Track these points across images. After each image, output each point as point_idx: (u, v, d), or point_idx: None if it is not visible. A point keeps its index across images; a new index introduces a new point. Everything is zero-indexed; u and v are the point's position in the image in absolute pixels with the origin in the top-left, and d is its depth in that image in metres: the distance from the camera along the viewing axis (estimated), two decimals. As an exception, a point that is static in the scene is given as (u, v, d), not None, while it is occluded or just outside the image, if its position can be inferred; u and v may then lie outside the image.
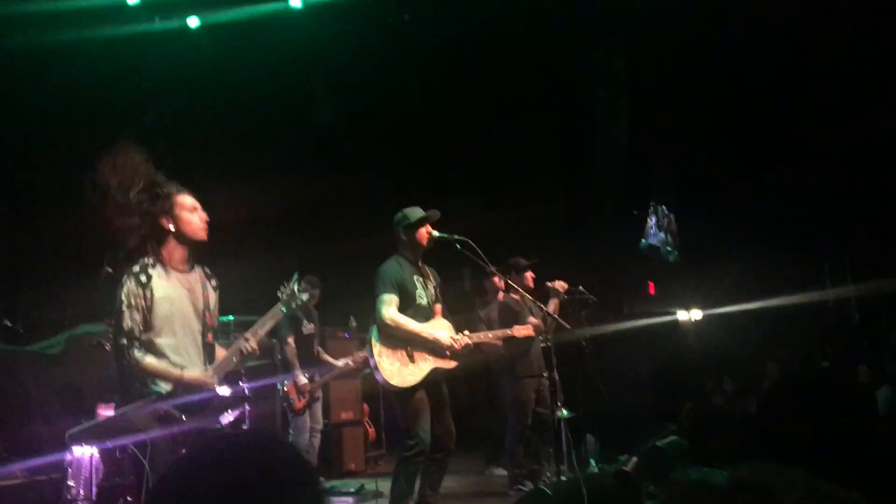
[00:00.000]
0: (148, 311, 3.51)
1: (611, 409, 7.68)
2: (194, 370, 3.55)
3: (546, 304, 6.35)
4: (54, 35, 7.53)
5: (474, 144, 9.89)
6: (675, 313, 9.85)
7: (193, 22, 8.63)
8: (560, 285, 6.53)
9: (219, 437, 1.50)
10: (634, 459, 5.33)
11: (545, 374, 6.33)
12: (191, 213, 3.65)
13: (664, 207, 10.79)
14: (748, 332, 9.81)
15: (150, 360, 3.46)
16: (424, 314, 4.85)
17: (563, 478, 5.40)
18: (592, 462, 6.76)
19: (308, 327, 6.90)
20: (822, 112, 9.08)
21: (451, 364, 4.83)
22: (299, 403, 6.73)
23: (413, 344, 4.74)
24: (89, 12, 7.74)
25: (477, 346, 5.13)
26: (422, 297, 4.87)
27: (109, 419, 3.60)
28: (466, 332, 4.95)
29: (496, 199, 9.30)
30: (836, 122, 8.90)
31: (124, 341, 3.46)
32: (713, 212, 10.27)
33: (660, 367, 8.77)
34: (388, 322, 4.68)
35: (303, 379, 6.69)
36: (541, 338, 6.20)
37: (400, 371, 4.67)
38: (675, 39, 9.16)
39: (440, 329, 4.85)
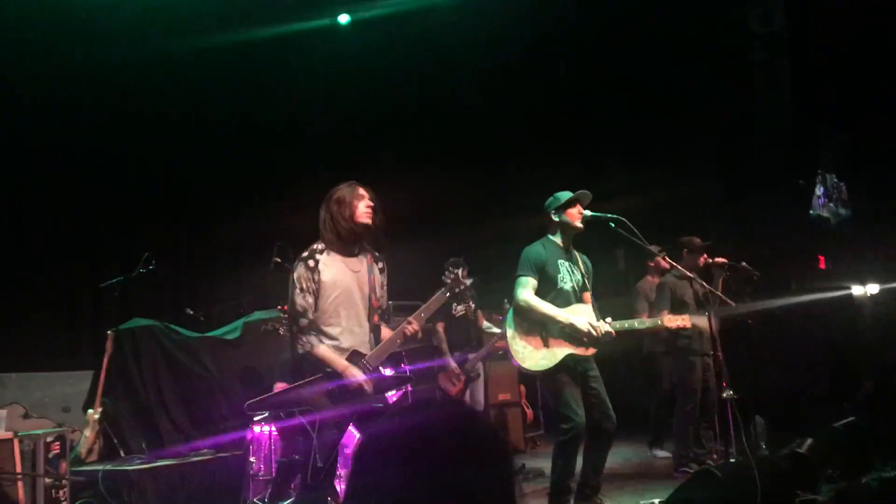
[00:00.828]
0: (316, 294, 3.75)
1: (781, 389, 7.35)
2: (356, 369, 3.76)
3: (710, 282, 6.15)
4: (213, 36, 7.96)
5: (628, 121, 9.66)
6: (849, 288, 9.23)
7: (344, 18, 8.94)
8: (720, 261, 6.31)
9: (420, 407, 1.56)
10: (809, 441, 5.06)
11: (708, 355, 6.14)
12: (359, 201, 3.85)
13: (834, 176, 10.11)
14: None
15: (322, 349, 3.71)
16: (566, 299, 4.78)
17: (732, 460, 5.23)
18: (762, 445, 6.49)
19: (458, 309, 6.98)
20: None
21: (589, 351, 4.73)
22: (453, 389, 6.83)
23: (548, 328, 4.70)
24: (245, 13, 8.13)
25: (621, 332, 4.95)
26: (564, 282, 4.81)
27: (283, 392, 3.87)
28: (609, 320, 4.81)
29: (653, 177, 9.04)
30: None
31: (300, 323, 3.71)
32: (887, 179, 9.53)
33: (834, 344, 8.27)
34: (522, 304, 4.68)
35: (452, 364, 6.79)
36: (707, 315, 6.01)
37: (532, 354, 4.67)
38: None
39: (580, 315, 4.74)
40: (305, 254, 3.85)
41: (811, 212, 9.81)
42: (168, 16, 7.61)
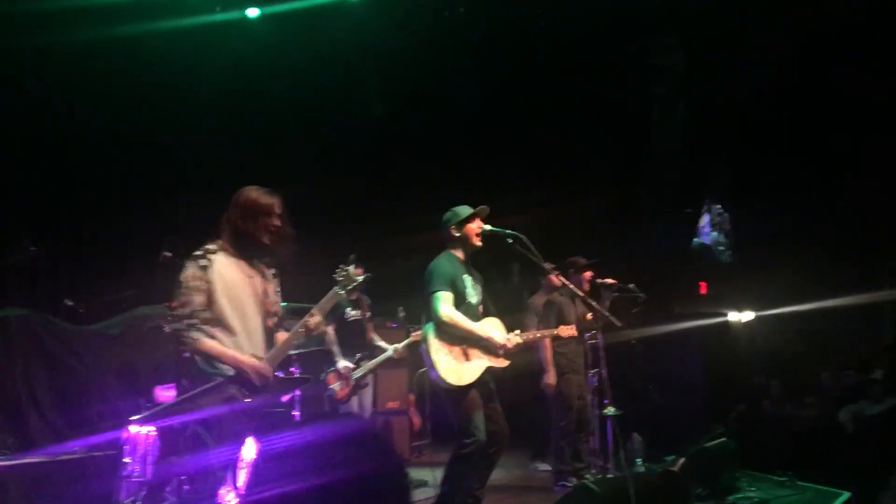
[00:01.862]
0: (209, 295, 3.64)
1: (659, 408, 7.65)
2: (249, 356, 3.65)
3: (598, 301, 6.35)
4: (117, 28, 7.70)
5: (527, 141, 9.86)
6: (726, 314, 9.71)
7: (253, 12, 8.75)
8: (609, 282, 6.53)
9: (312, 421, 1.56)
10: (682, 460, 5.28)
11: (591, 372, 6.33)
12: (267, 217, 3.78)
13: (719, 206, 10.63)
14: (801, 334, 9.63)
15: (208, 342, 3.58)
16: (474, 313, 4.87)
17: (609, 475, 5.40)
18: (638, 461, 6.73)
19: (353, 314, 6.95)
20: (883, 110, 8.86)
21: (504, 363, 4.85)
22: (341, 392, 6.79)
23: (468, 342, 4.76)
24: (150, 4, 7.89)
25: (526, 344, 5.11)
26: (471, 296, 4.89)
27: (174, 404, 3.73)
28: (517, 332, 4.95)
29: (549, 196, 9.26)
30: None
31: (185, 322, 3.59)
32: (767, 211, 10.08)
33: (710, 368, 8.67)
34: (446, 319, 4.69)
35: (343, 363, 6.75)
36: (587, 335, 6.21)
37: (456, 369, 4.69)
38: (732, 35, 9.01)
39: (493, 328, 4.87)
40: (198, 252, 3.72)
41: (695, 239, 10.28)
42: (67, 4, 7.30)
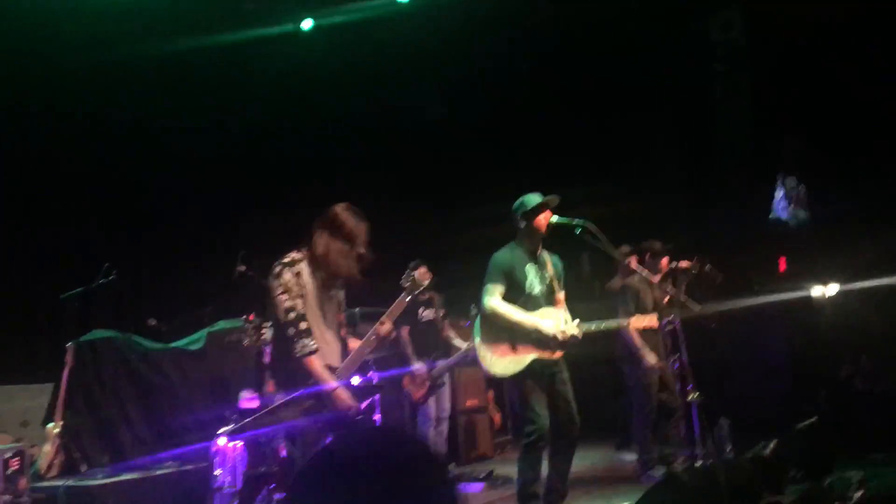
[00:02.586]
0: (304, 300, 3.71)
1: (744, 391, 7.44)
2: (345, 391, 3.70)
3: (675, 286, 6.24)
4: (172, 43, 7.88)
5: (592, 130, 9.73)
6: (808, 289, 9.37)
7: (307, 24, 8.87)
8: (684, 266, 6.39)
9: (353, 435, 1.55)
10: (773, 444, 5.12)
11: (672, 358, 6.19)
12: (358, 249, 3.89)
13: (794, 179, 10.28)
14: (888, 307, 9.23)
15: (316, 361, 3.63)
16: (536, 303, 4.79)
17: (697, 464, 5.27)
18: (728, 447, 6.56)
19: (426, 314, 6.99)
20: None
21: (556, 354, 4.75)
22: (417, 394, 6.84)
23: (515, 333, 4.71)
24: (206, 18, 8.05)
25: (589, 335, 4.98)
26: (533, 287, 4.82)
27: (257, 417, 3.79)
28: (576, 322, 4.84)
29: (618, 184, 9.12)
30: None
31: (299, 326, 3.66)
32: (847, 182, 9.71)
33: (796, 346, 8.39)
34: (489, 311, 4.71)
35: (417, 365, 6.80)
36: (664, 321, 6.06)
37: (500, 360, 4.70)
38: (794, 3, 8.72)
39: (547, 318, 4.76)
40: (287, 260, 3.80)
41: (771, 215, 9.96)
42: (129, 20, 7.51)
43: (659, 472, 6.13)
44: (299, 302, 3.69)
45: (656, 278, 5.65)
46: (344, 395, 3.67)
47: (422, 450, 1.54)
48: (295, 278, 3.72)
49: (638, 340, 6.24)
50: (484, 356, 4.72)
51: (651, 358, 6.24)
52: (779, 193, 10.06)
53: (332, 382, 3.65)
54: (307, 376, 3.64)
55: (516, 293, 4.76)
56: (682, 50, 9.42)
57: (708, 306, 6.37)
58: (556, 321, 4.76)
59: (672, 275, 6.52)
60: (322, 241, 3.84)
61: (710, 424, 5.93)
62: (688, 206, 9.67)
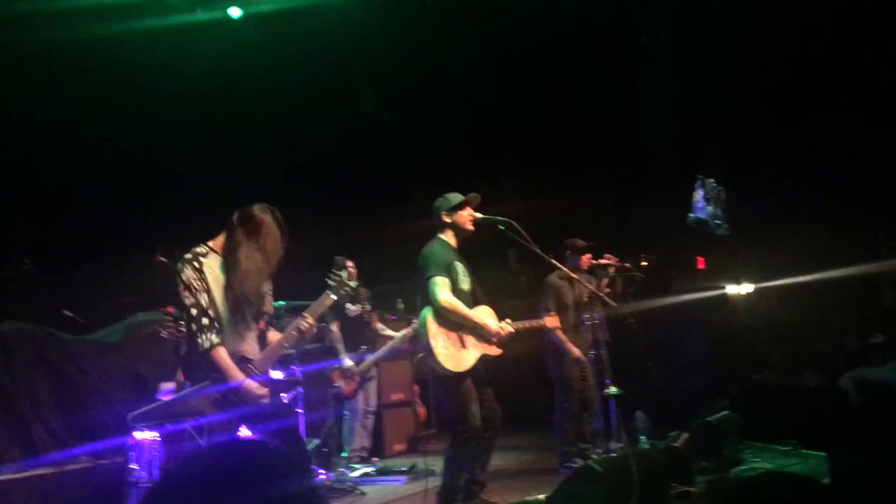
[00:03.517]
0: (208, 293, 3.66)
1: (661, 385, 7.67)
2: (252, 382, 3.66)
3: (596, 282, 6.38)
4: (97, 27, 7.65)
5: (518, 127, 9.84)
6: (724, 287, 9.70)
7: (235, 12, 8.71)
8: (608, 260, 6.55)
9: (211, 448, 1.55)
10: (685, 435, 5.31)
11: (591, 353, 6.35)
12: (272, 236, 3.80)
13: (713, 181, 10.61)
14: (800, 306, 9.63)
15: (221, 353, 3.59)
16: (466, 300, 4.84)
17: (612, 454, 5.42)
18: (643, 439, 6.76)
19: (353, 309, 6.98)
20: (880, 77, 8.83)
21: (497, 351, 4.84)
22: (347, 389, 6.84)
23: (464, 329, 4.76)
24: (131, 4, 7.85)
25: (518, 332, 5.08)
26: (463, 283, 4.88)
27: (168, 402, 3.76)
28: (508, 320, 4.93)
29: (543, 181, 9.26)
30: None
31: (201, 322, 3.61)
32: (763, 183, 10.07)
33: (711, 342, 8.69)
34: (445, 305, 4.67)
35: (348, 362, 6.80)
36: (584, 317, 6.21)
37: (453, 356, 4.68)
38: (723, 7, 8.98)
39: (487, 316, 4.85)
40: (189, 256, 3.73)
41: (690, 214, 10.27)
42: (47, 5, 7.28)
43: (577, 464, 6.28)
44: (202, 297, 3.64)
45: (573, 275, 5.77)
46: (252, 387, 3.64)
47: (285, 459, 1.54)
48: (196, 274, 3.67)
49: (562, 335, 6.36)
50: (439, 352, 4.64)
51: (575, 351, 6.37)
52: (698, 194, 10.38)
53: (238, 375, 3.62)
54: (215, 369, 3.61)
55: (451, 289, 4.78)
56: (610, 50, 9.60)
57: (628, 303, 6.55)
58: (494, 318, 4.84)
59: (592, 271, 6.66)
60: (234, 242, 3.76)
61: (627, 417, 6.12)
62: (611, 204, 9.87)
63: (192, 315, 3.64)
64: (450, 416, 4.80)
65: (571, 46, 9.12)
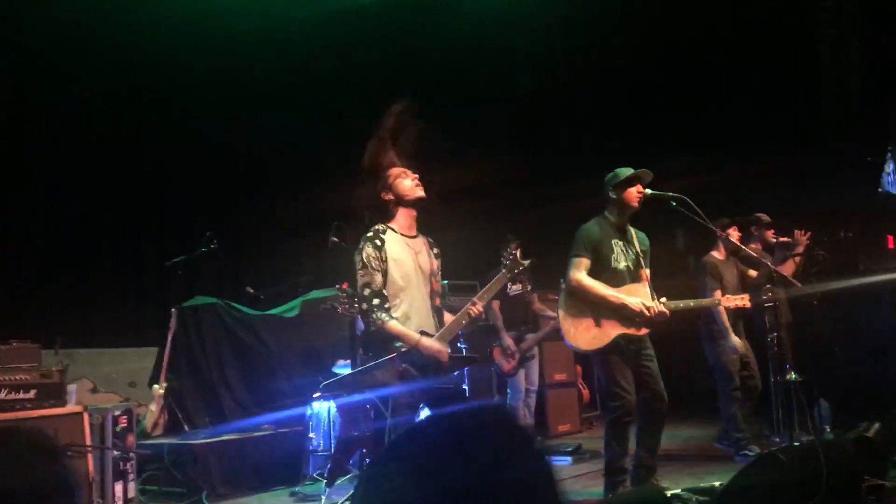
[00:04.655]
0: (384, 273, 3.77)
1: (846, 372, 7.16)
2: (430, 339, 3.74)
3: (773, 261, 6.06)
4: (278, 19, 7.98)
5: (690, 101, 9.45)
6: (917, 269, 8.91)
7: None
8: (800, 236, 6.25)
9: (446, 413, 1.55)
10: (878, 425, 4.92)
11: (771, 336, 6.02)
12: (402, 179, 3.87)
13: (906, 151, 9.75)
14: None
15: (393, 324, 3.70)
16: (621, 279, 4.69)
17: (796, 444, 5.12)
18: (826, 429, 6.35)
19: (514, 288, 6.97)
20: None
21: (642, 331, 4.64)
22: (507, 366, 6.89)
23: (600, 308, 4.63)
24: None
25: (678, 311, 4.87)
26: (619, 261, 4.72)
27: (356, 374, 3.90)
28: (664, 300, 4.70)
29: (717, 157, 8.84)
30: None
31: (372, 302, 3.72)
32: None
33: (902, 327, 8.01)
34: (574, 284, 4.63)
35: (507, 340, 6.83)
36: (766, 298, 5.89)
37: (584, 334, 4.62)
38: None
39: (633, 294, 4.64)
40: (370, 234, 3.85)
41: (880, 189, 9.49)
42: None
43: (753, 451, 6.00)
44: (377, 276, 3.74)
45: (751, 252, 5.49)
46: (430, 343, 3.71)
47: (517, 428, 1.53)
48: (376, 251, 3.77)
49: (724, 319, 6.10)
50: (567, 330, 4.66)
51: (736, 340, 6.10)
52: (889, 166, 9.57)
53: (415, 336, 3.70)
54: (391, 340, 3.72)
55: (601, 267, 4.68)
56: (791, 13, 9.00)
57: (810, 285, 6.17)
58: (642, 297, 4.67)
59: (772, 249, 6.33)
60: (376, 194, 3.92)
61: (810, 405, 5.76)
62: (793, 178, 9.30)
63: (363, 295, 3.75)
64: (601, 392, 4.76)
65: (746, 13, 8.63)
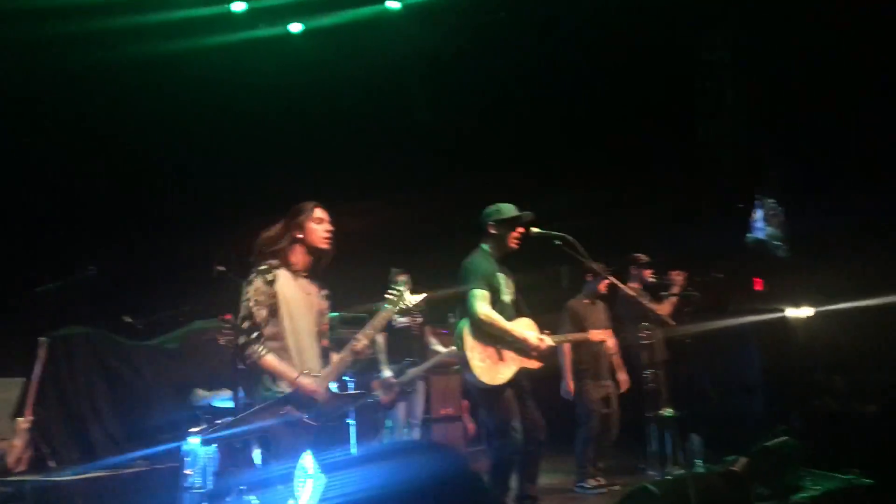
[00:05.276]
0: (273, 309, 3.70)
1: (717, 408, 7.50)
2: (308, 377, 3.70)
3: (654, 300, 6.31)
4: (160, 45, 7.85)
5: (575, 143, 9.79)
6: (783, 310, 9.47)
7: (296, 27, 8.84)
8: (676, 276, 6.53)
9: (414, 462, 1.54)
10: (744, 460, 5.18)
11: (646, 373, 6.25)
12: (318, 224, 3.83)
13: (773, 201, 10.40)
14: (863, 330, 9.35)
15: (269, 358, 3.64)
16: (510, 313, 4.82)
17: (668, 477, 5.31)
18: (697, 462, 6.62)
19: (401, 321, 6.96)
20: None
21: (536, 364, 4.80)
22: (385, 398, 6.84)
23: (502, 342, 4.72)
24: (194, 21, 8.03)
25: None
26: (505, 295, 4.85)
27: (237, 420, 3.80)
28: (548, 332, 4.91)
29: (598, 197, 9.18)
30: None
31: (250, 335, 3.65)
32: (824, 205, 9.83)
33: (769, 365, 8.48)
34: (483, 318, 4.65)
35: (388, 373, 6.80)
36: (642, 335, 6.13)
37: (490, 369, 4.67)
38: (787, 24, 8.84)
39: (527, 329, 4.80)
40: (263, 267, 3.79)
41: (749, 234, 10.07)
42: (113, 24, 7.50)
43: (591, 484, 6.28)
44: (262, 311, 3.70)
45: (631, 292, 5.70)
46: (307, 382, 3.67)
47: (467, 471, 1.54)
48: (266, 286, 3.72)
49: (567, 361, 6.34)
50: (476, 365, 4.65)
51: (570, 385, 6.36)
52: (758, 214, 10.18)
53: (292, 372, 3.67)
54: (267, 376, 3.67)
55: (493, 300, 4.76)
56: (670, 67, 9.51)
57: (684, 323, 6.46)
58: (535, 331, 4.80)
59: (651, 290, 6.60)
60: (291, 232, 3.91)
61: (682, 440, 6.00)
62: (669, 222, 9.75)
63: (242, 328, 3.69)
64: (489, 429, 4.78)
65: (631, 63, 9.06)
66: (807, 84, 9.26)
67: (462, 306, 4.80)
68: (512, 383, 4.69)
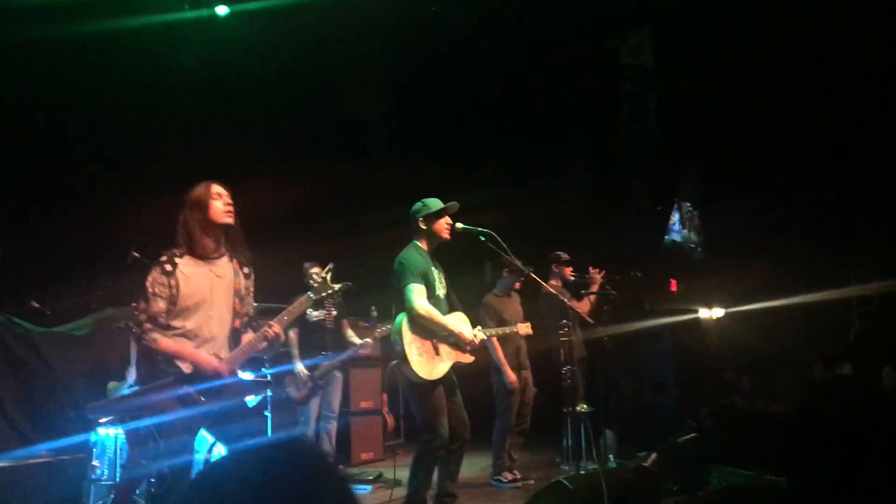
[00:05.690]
0: (173, 299, 3.63)
1: (630, 405, 7.70)
2: (209, 354, 3.67)
3: (574, 298, 6.42)
4: (83, 25, 7.57)
5: (499, 140, 9.88)
6: (696, 311, 9.79)
7: (222, 10, 8.63)
8: (594, 274, 6.64)
9: (248, 449, 1.50)
10: (654, 455, 5.32)
11: (565, 370, 6.37)
12: (216, 200, 3.76)
13: (689, 204, 10.73)
14: (770, 331, 9.73)
15: (166, 341, 3.61)
16: (444, 307, 4.85)
17: (582, 472, 5.41)
18: (611, 457, 6.78)
19: (315, 315, 6.87)
20: (856, 107, 8.99)
21: (470, 359, 4.85)
22: (298, 395, 6.74)
23: (438, 337, 4.74)
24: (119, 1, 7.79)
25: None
26: (438, 290, 4.87)
27: (129, 396, 3.73)
28: (479, 327, 4.98)
29: (522, 196, 9.29)
30: (870, 118, 8.83)
31: (144, 326, 3.60)
32: (737, 209, 10.19)
33: (682, 364, 8.75)
34: (421, 312, 4.63)
35: (300, 368, 6.70)
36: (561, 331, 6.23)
37: (427, 363, 4.66)
38: (705, 32, 9.11)
39: (462, 323, 4.85)
40: (164, 258, 3.72)
41: (666, 237, 10.36)
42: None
43: (507, 478, 6.37)
44: (159, 303, 3.65)
45: (551, 290, 5.80)
46: (208, 358, 3.65)
47: (321, 459, 1.50)
48: (163, 277, 3.66)
49: (501, 353, 6.39)
50: (414, 360, 4.60)
51: (512, 376, 6.40)
52: (674, 217, 10.48)
53: (188, 349, 3.65)
54: (165, 359, 3.64)
55: (427, 295, 4.76)
56: (594, 69, 9.69)
57: (602, 322, 6.59)
58: (467, 326, 4.84)
59: (575, 286, 6.72)
60: (184, 217, 3.81)
61: (596, 436, 6.13)
62: (590, 222, 9.94)
63: (138, 319, 3.68)
64: (418, 424, 4.77)
65: (558, 61, 9.19)
66: (722, 91, 9.58)
67: (398, 302, 4.78)
68: (444, 379, 4.70)
